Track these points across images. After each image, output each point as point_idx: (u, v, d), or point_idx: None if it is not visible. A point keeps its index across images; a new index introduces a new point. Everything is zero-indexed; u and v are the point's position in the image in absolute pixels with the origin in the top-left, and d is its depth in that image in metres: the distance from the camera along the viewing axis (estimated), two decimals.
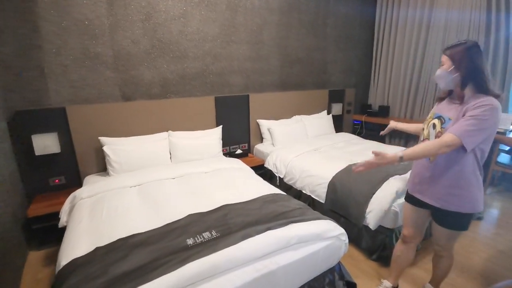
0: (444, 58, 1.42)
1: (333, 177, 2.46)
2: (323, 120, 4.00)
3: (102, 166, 2.60)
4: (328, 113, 4.24)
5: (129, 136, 2.67)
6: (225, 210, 1.75)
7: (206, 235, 1.47)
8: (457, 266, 2.11)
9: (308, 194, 2.68)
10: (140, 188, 2.17)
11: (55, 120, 2.40)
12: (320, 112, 4.16)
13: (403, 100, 4.41)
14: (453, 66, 1.37)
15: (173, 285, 1.16)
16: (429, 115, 1.57)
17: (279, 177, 3.02)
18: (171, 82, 2.95)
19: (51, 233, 2.21)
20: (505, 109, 3.23)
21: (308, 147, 3.23)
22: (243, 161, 2.96)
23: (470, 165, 1.38)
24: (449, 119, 1.41)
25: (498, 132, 2.69)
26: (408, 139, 4.40)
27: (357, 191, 2.23)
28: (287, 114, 3.83)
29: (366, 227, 2.15)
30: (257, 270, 1.33)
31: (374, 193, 2.15)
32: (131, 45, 2.65)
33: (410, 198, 1.66)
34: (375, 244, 2.19)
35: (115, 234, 1.52)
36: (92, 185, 2.20)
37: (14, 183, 2.19)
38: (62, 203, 2.09)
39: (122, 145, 2.51)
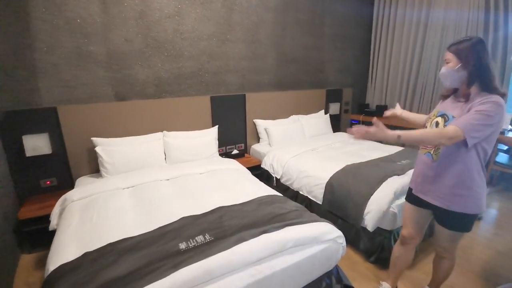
0: (450, 56, 1.37)
1: (331, 178, 2.42)
2: (320, 120, 3.97)
3: (95, 168, 2.54)
4: (326, 112, 4.20)
5: (123, 136, 2.61)
6: (219, 212, 1.71)
7: (200, 238, 1.43)
8: (456, 267, 2.04)
9: (305, 195, 2.64)
10: (133, 190, 2.12)
11: (46, 121, 2.34)
12: (318, 111, 4.12)
13: (400, 99, 4.39)
14: (460, 64, 1.32)
15: None
16: (433, 113, 1.53)
17: (275, 177, 2.98)
18: (165, 81, 2.90)
19: (43, 236, 2.15)
20: None
21: (305, 147, 3.19)
22: (239, 162, 2.92)
23: (474, 163, 1.34)
24: (453, 117, 1.37)
25: None
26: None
27: (355, 192, 2.19)
28: (284, 114, 3.79)
29: (364, 228, 2.12)
30: (252, 276, 1.29)
31: (372, 194, 2.11)
32: (125, 43, 2.60)
33: (411, 198, 1.62)
34: (373, 246, 2.15)
35: (105, 239, 1.47)
36: (84, 187, 2.15)
37: (5, 185, 2.14)
38: (53, 206, 2.03)
39: (115, 146, 2.45)
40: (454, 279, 1.98)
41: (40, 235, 2.18)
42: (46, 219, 2.04)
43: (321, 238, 1.54)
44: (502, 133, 3.05)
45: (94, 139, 2.43)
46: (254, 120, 3.52)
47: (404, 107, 4.36)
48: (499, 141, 2.95)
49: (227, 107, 3.29)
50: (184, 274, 1.18)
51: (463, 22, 3.48)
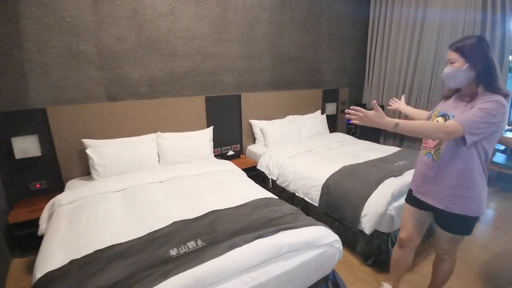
0: (454, 56, 1.32)
1: (327, 179, 2.38)
2: (317, 120, 3.93)
3: (86, 170, 2.48)
4: (322, 113, 4.16)
5: (115, 138, 2.55)
6: (212, 216, 1.66)
7: (191, 244, 1.38)
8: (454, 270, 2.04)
9: (302, 197, 2.59)
10: (124, 193, 2.06)
11: (35, 122, 2.28)
12: (314, 112, 4.08)
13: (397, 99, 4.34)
14: (468, 64, 1.28)
15: None
16: (434, 113, 1.51)
17: (271, 179, 2.94)
18: (159, 81, 2.84)
19: (34, 240, 2.08)
20: None
21: (302, 148, 3.15)
22: (235, 163, 2.88)
23: (474, 163, 1.31)
24: (454, 117, 1.34)
25: None
26: (402, 138, 4.36)
27: (352, 193, 2.15)
28: (280, 114, 3.74)
29: (361, 231, 2.08)
30: (245, 283, 1.24)
31: (369, 196, 2.07)
32: (117, 42, 2.54)
33: (411, 199, 1.59)
34: (371, 249, 2.11)
35: (92, 245, 1.41)
36: (73, 190, 2.09)
37: None
38: (43, 209, 1.97)
39: (106, 148, 2.39)
40: (452, 282, 1.92)
41: (31, 239, 2.11)
42: (36, 223, 1.98)
43: (317, 243, 1.49)
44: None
45: (85, 140, 2.37)
46: (249, 121, 3.48)
47: None
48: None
49: (223, 108, 3.24)
50: (174, 283, 1.13)
51: (459, 22, 3.45)
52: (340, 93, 4.39)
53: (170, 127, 2.87)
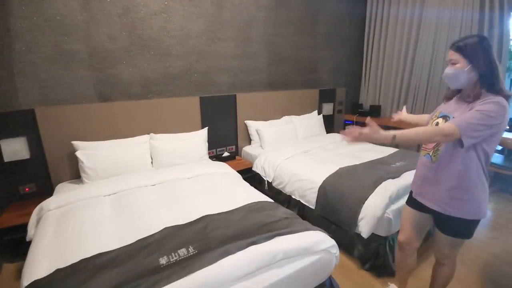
0: (456, 56, 1.28)
1: (324, 181, 2.34)
2: (313, 121, 3.88)
3: (76, 173, 2.40)
4: (319, 113, 4.11)
5: (106, 140, 2.48)
6: (205, 221, 1.60)
7: (182, 252, 1.32)
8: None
9: (298, 199, 2.54)
10: (115, 198, 1.99)
11: (24, 123, 2.21)
12: (311, 112, 4.03)
13: (394, 99, 4.32)
14: (471, 65, 1.25)
15: None
16: (435, 114, 1.48)
17: (267, 181, 2.88)
18: (152, 81, 2.78)
19: (24, 245, 2.01)
20: None
21: (298, 149, 3.10)
22: (230, 164, 2.82)
23: (473, 165, 1.28)
24: (453, 118, 1.31)
25: None
26: None
27: (349, 196, 2.11)
28: (277, 115, 3.69)
29: (358, 235, 2.03)
30: None
31: (366, 199, 2.03)
32: (108, 41, 2.47)
33: (411, 201, 1.57)
34: (368, 253, 2.07)
35: (79, 253, 1.35)
36: (62, 194, 2.02)
37: None
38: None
39: (97, 150, 2.32)
40: (451, 286, 1.89)
41: (22, 244, 2.03)
42: (25, 227, 1.91)
43: (313, 249, 1.44)
44: None
45: (75, 142, 2.30)
46: (245, 121, 3.42)
47: (398, 107, 4.31)
48: None
49: (218, 108, 3.18)
50: None
51: (457, 21, 3.42)
52: (337, 93, 4.35)
53: (163, 128, 2.81)
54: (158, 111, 2.78)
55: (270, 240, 1.41)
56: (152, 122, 2.75)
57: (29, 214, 1.96)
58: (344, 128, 4.57)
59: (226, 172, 2.51)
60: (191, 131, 2.96)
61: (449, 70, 1.31)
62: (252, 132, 3.41)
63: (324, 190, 2.29)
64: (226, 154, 3.26)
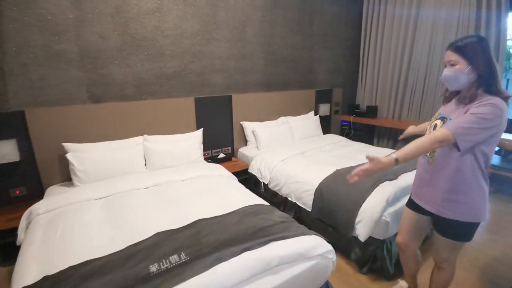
0: (454, 57, 1.26)
1: (320, 183, 2.30)
2: (310, 122, 3.85)
3: (67, 176, 2.34)
4: (315, 114, 4.08)
5: (99, 141, 2.43)
6: (198, 226, 1.55)
7: (174, 259, 1.27)
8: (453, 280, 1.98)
9: (294, 201, 2.51)
10: (106, 201, 1.94)
11: (14, 125, 2.15)
12: (307, 113, 4.00)
13: (391, 99, 4.31)
14: (471, 66, 1.23)
15: None
16: (434, 116, 1.46)
17: (263, 183, 2.84)
18: (146, 82, 2.72)
19: (16, 248, 1.96)
20: None
21: (294, 150, 3.06)
22: (226, 166, 2.78)
23: (468, 167, 1.27)
24: (451, 119, 1.30)
25: None
26: (396, 139, 4.30)
27: (346, 198, 2.07)
28: (273, 116, 3.65)
29: (355, 238, 2.00)
30: None
31: (364, 201, 1.99)
32: (100, 41, 2.41)
33: (410, 203, 1.56)
34: (365, 256, 2.04)
35: (67, 260, 1.30)
36: (52, 198, 1.97)
37: None
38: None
39: (88, 152, 2.27)
40: None
41: (13, 248, 1.97)
42: (16, 231, 1.86)
43: (309, 254, 1.40)
44: None
45: (66, 144, 2.25)
46: (241, 122, 3.38)
47: (394, 107, 4.30)
48: None
49: (213, 109, 3.14)
50: None
51: (453, 20, 3.41)
52: (333, 93, 4.32)
53: (157, 130, 2.76)
54: (152, 112, 2.73)
55: (265, 245, 1.37)
56: (145, 124, 2.70)
57: (20, 217, 1.91)
58: (341, 128, 4.55)
59: (221, 174, 2.46)
60: (186, 132, 2.92)
61: (448, 71, 1.29)
62: (248, 133, 3.37)
63: (320, 192, 2.26)
64: (221, 155, 3.21)
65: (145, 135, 2.67)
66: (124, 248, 1.37)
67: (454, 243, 1.39)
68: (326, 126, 4.27)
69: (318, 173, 2.40)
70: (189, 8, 2.82)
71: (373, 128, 4.59)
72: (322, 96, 4.19)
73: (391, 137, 4.38)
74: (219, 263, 1.24)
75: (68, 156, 2.20)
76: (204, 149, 3.03)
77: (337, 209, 2.10)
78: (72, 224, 1.63)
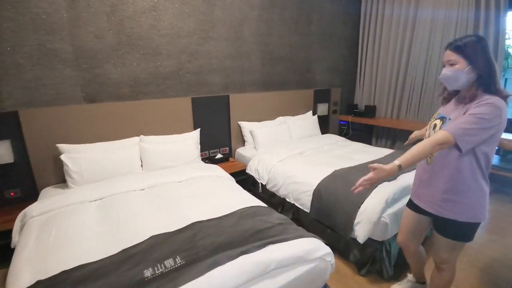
0: (454, 57, 1.25)
1: (319, 184, 2.28)
2: (308, 121, 3.82)
3: (62, 177, 2.29)
4: (314, 113, 4.06)
5: (94, 142, 2.39)
6: (195, 228, 1.52)
7: (169, 263, 1.25)
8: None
9: (292, 202, 2.48)
10: (101, 203, 1.90)
11: (7, 126, 2.11)
12: (305, 112, 3.98)
13: (389, 99, 4.29)
14: (471, 65, 1.22)
15: None
16: (434, 116, 1.46)
17: (261, 183, 2.82)
18: (142, 81, 2.69)
19: (10, 250, 1.93)
20: None
21: (292, 150, 3.03)
22: (223, 166, 2.76)
23: (467, 168, 1.26)
24: (450, 119, 1.30)
25: None
26: (395, 139, 4.29)
27: (344, 199, 2.05)
28: (270, 116, 3.63)
29: (354, 239, 1.98)
30: None
31: (362, 202, 1.97)
32: (95, 40, 2.38)
33: (410, 203, 1.56)
34: (364, 258, 2.01)
35: (60, 264, 1.27)
36: (46, 200, 1.93)
37: None
38: None
39: (83, 153, 2.23)
40: None
41: (8, 250, 1.94)
42: (11, 233, 1.83)
43: (308, 257, 1.38)
44: None
45: (60, 145, 2.21)
46: (238, 122, 3.35)
47: (392, 107, 4.29)
48: None
49: (210, 109, 3.11)
50: None
51: (452, 20, 3.39)
52: (331, 93, 4.30)
53: (154, 130, 2.73)
54: (148, 112, 2.70)
55: (263, 248, 1.35)
56: (142, 124, 2.67)
57: (15, 219, 1.88)
58: (339, 128, 4.53)
59: (218, 175, 2.43)
60: (183, 132, 2.88)
61: (447, 71, 1.27)
62: (246, 133, 3.34)
63: (319, 193, 2.24)
64: (219, 156, 3.19)
65: (141, 136, 2.64)
66: (119, 252, 1.34)
67: (454, 243, 1.38)
68: (325, 126, 4.25)
69: (317, 174, 2.38)
70: (185, 7, 2.79)
71: (372, 128, 4.57)
72: (320, 96, 4.16)
73: (390, 136, 4.36)
74: (216, 267, 1.21)
75: (62, 157, 2.16)
76: (202, 150, 3.00)
77: (335, 210, 2.08)
78: (66, 226, 1.59)
